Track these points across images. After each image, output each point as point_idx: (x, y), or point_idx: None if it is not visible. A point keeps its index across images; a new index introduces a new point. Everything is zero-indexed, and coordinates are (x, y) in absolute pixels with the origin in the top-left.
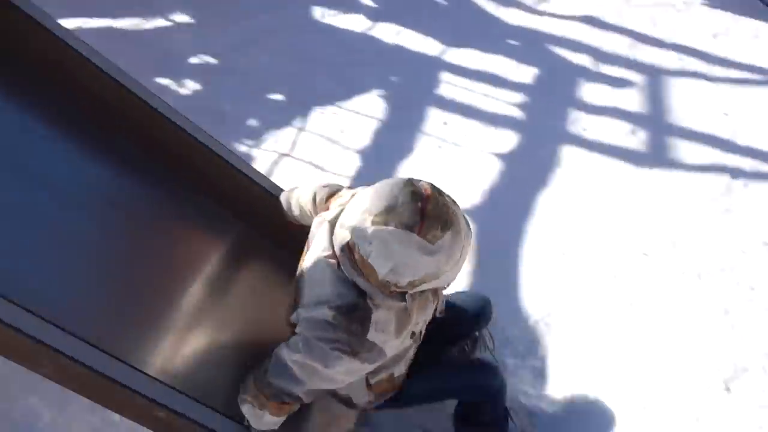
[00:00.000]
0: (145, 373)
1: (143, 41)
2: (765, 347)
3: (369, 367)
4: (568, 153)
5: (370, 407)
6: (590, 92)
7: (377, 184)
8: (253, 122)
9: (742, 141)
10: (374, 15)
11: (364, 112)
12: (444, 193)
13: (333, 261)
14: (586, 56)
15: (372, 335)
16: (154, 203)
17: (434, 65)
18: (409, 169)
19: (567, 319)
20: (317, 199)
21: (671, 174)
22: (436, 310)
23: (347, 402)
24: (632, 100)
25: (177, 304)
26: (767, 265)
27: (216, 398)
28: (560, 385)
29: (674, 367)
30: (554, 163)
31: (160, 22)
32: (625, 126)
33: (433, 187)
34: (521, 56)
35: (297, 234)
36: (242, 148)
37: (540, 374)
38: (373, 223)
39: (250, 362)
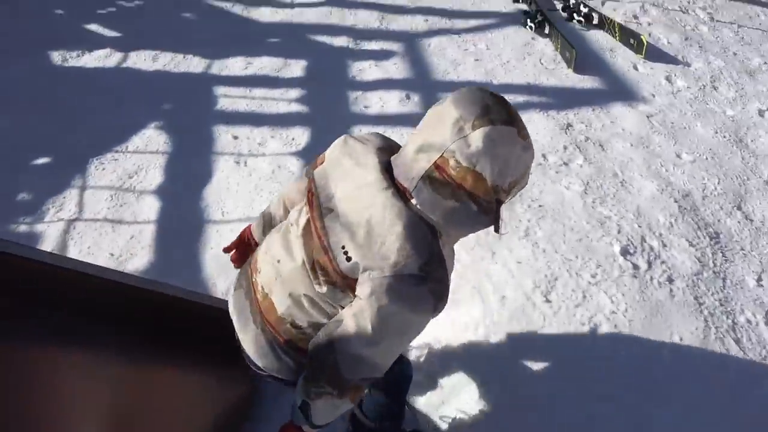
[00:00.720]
0: None
1: None
2: (564, 256)
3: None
4: (360, 133)
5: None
6: (359, 71)
7: (448, 100)
8: (23, 195)
9: (497, 80)
10: (123, 45)
11: (147, 149)
12: None
13: (398, 202)
14: (345, 38)
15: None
16: None
17: (204, 81)
18: (216, 192)
19: None
20: (297, 186)
21: None
22: None
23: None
24: (398, 68)
25: None
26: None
27: None
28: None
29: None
30: None
31: None
32: (399, 94)
33: None
34: (286, 52)
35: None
36: (22, 228)
37: None
38: (474, 126)
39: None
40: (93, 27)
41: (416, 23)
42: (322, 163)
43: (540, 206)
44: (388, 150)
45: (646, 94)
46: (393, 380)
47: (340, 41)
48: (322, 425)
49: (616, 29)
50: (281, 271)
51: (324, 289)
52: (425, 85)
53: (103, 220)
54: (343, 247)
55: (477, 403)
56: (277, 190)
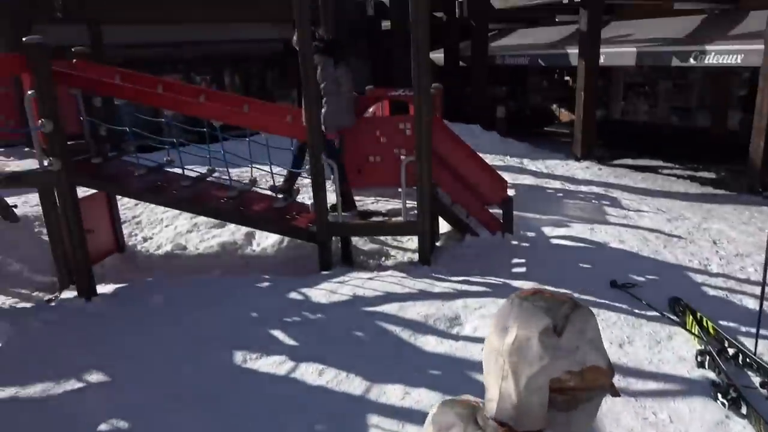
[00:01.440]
0: None
1: (48, 408)
2: None
3: None
4: None
5: None
6: None
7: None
8: None
9: None
10: (297, 355)
11: None
12: None
13: None
14: None
15: None
16: None
17: (360, 405)
18: None
19: None
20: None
21: None
22: None
23: None
24: None
25: None
26: None
27: None
28: None
29: None
30: None
31: (71, 384)
32: None
33: None
34: (446, 387)
35: None
36: None
37: None
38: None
39: None
40: (276, 333)
41: None
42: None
43: None
44: None
45: None
46: None
47: None
48: None
49: None
50: None
51: None
52: None
53: None
54: None
55: None
56: None
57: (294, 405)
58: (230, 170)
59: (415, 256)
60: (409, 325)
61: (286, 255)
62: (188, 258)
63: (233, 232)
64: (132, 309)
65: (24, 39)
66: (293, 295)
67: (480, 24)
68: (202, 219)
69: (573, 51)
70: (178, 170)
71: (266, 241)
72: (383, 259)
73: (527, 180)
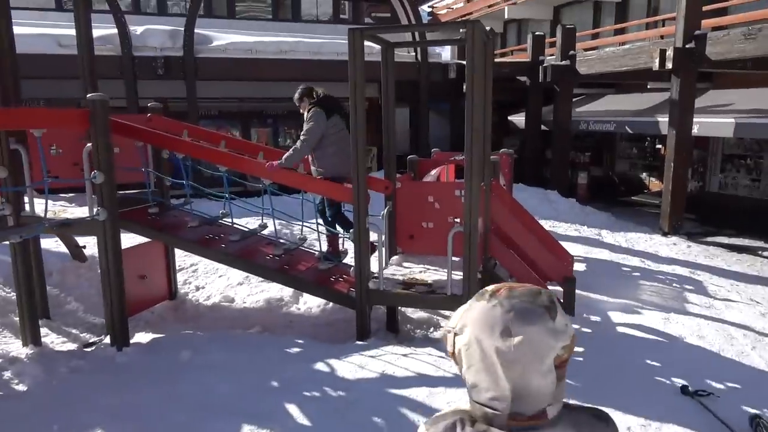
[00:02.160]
0: None
1: None
2: None
3: None
4: None
5: None
6: None
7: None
8: None
9: None
10: None
11: None
12: None
13: None
14: None
15: None
16: None
17: None
18: None
19: None
20: None
21: None
22: None
23: None
24: None
25: None
26: None
27: None
28: None
29: None
30: None
31: None
32: None
33: None
34: None
35: None
36: None
37: None
38: None
39: None
40: (291, 407)
41: None
42: None
43: None
44: None
45: None
46: None
47: None
48: None
49: None
50: None
51: None
52: None
53: None
54: None
55: None
56: None
57: None
58: (287, 228)
59: None
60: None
61: (330, 317)
62: (234, 311)
63: (281, 288)
64: (158, 363)
65: (88, 95)
66: (320, 365)
67: (564, 89)
68: None
69: (663, 119)
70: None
71: (312, 300)
72: (432, 330)
73: (602, 254)
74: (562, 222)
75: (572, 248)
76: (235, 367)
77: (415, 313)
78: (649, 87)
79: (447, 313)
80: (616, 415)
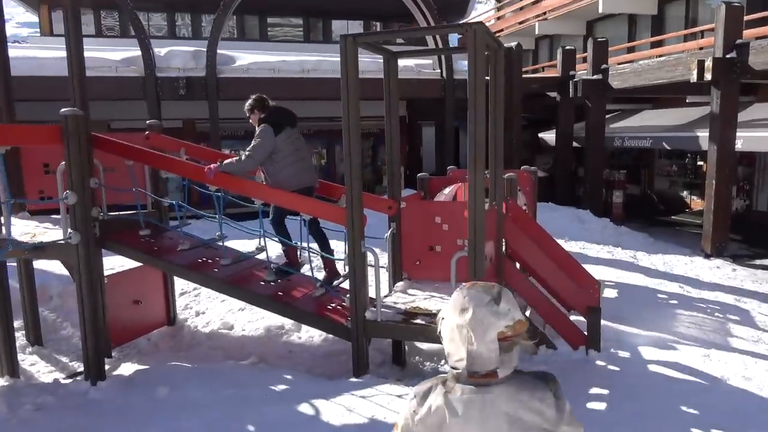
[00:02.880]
0: None
1: None
2: None
3: None
4: None
5: None
6: None
7: None
8: None
9: None
10: None
11: None
12: None
13: None
14: None
15: None
16: None
17: None
18: None
19: None
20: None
21: None
22: None
23: None
24: None
25: None
26: None
27: None
28: None
29: None
30: None
31: None
32: None
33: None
34: None
35: None
36: None
37: None
38: None
39: None
40: None
41: None
42: None
43: None
44: None
45: None
46: None
47: None
48: None
49: None
50: None
51: None
52: None
53: None
54: None
55: None
56: None
57: None
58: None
59: None
60: None
61: (332, 347)
62: (231, 339)
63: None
64: (131, 400)
65: (61, 111)
66: (303, 407)
67: (596, 103)
68: None
69: (704, 134)
70: (231, 245)
71: (314, 329)
72: (443, 362)
73: (636, 279)
74: (594, 243)
75: (603, 272)
76: (209, 407)
77: (424, 344)
78: (688, 101)
79: None
80: None
